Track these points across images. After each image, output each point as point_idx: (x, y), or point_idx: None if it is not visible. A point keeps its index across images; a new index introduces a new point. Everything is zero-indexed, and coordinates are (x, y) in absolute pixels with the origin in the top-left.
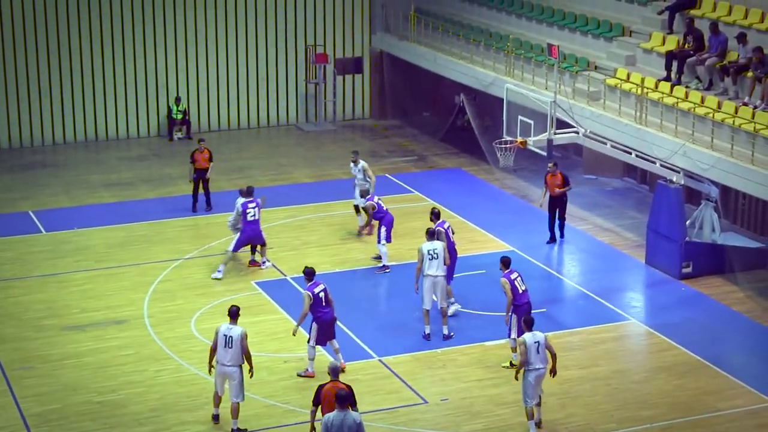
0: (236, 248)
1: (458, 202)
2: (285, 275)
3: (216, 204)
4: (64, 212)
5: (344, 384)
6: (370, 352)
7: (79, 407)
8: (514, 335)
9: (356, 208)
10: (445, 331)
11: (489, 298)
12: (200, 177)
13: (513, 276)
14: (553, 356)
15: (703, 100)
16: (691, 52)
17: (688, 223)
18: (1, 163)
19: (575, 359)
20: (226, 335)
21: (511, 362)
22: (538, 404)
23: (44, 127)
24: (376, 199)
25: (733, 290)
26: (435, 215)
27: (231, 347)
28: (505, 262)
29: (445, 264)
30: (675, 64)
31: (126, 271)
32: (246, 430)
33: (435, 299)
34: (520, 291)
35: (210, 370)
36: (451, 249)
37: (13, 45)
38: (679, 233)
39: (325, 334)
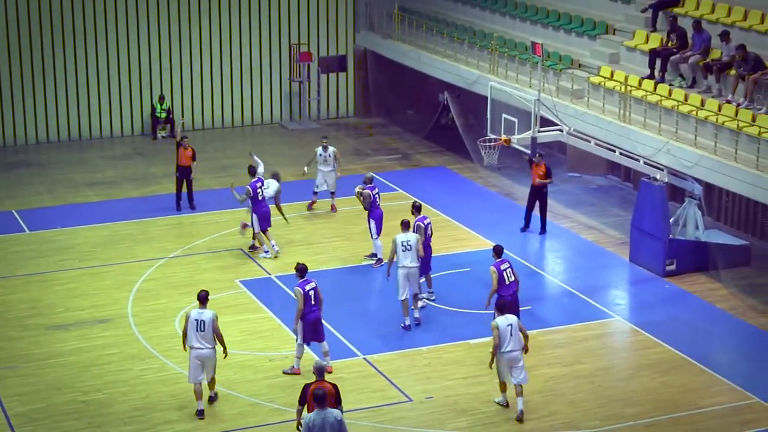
0: (262, 228)
1: (442, 201)
2: (269, 274)
3: (201, 203)
4: (48, 211)
5: (330, 383)
6: (355, 350)
7: (64, 406)
8: None
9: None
10: (417, 314)
11: (473, 295)
12: (183, 176)
13: (503, 266)
14: (526, 337)
15: (686, 98)
16: (675, 50)
17: (671, 220)
18: None
19: (559, 357)
20: (197, 320)
21: None
22: (520, 394)
23: (28, 126)
24: (375, 191)
25: (717, 287)
26: (416, 209)
27: (203, 330)
28: (498, 251)
29: (418, 255)
30: (658, 62)
31: (110, 270)
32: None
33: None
34: (507, 282)
35: (185, 349)
36: (426, 245)
37: None
38: (663, 231)
39: (309, 333)
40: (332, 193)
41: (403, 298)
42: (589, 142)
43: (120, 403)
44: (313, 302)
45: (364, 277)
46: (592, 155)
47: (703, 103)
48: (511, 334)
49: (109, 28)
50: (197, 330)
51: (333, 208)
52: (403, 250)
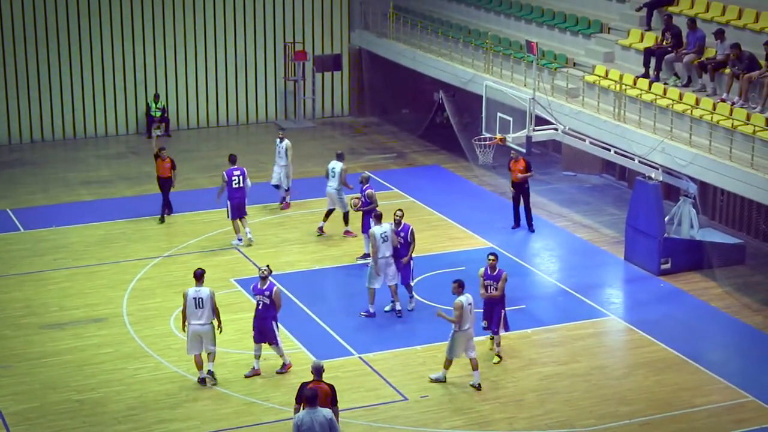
0: (233, 216)
1: (437, 199)
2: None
3: (194, 202)
4: (43, 210)
5: (327, 384)
6: (350, 349)
7: (58, 406)
8: (502, 331)
9: (277, 187)
10: (398, 307)
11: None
12: (164, 187)
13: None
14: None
15: (681, 97)
16: (669, 49)
17: (666, 219)
18: None
19: (554, 355)
20: (195, 297)
21: (498, 354)
22: (476, 367)
23: (22, 125)
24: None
25: (712, 286)
26: (399, 218)
27: (202, 307)
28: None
29: (393, 245)
30: (653, 61)
31: (104, 269)
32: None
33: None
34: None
35: (184, 328)
36: (406, 251)
37: None
38: (658, 229)
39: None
40: (286, 189)
41: (375, 287)
42: (584, 140)
43: (114, 402)
44: None
45: (359, 276)
46: (587, 154)
47: (697, 102)
48: (470, 312)
49: (103, 27)
50: (196, 307)
51: (286, 205)
52: (382, 242)
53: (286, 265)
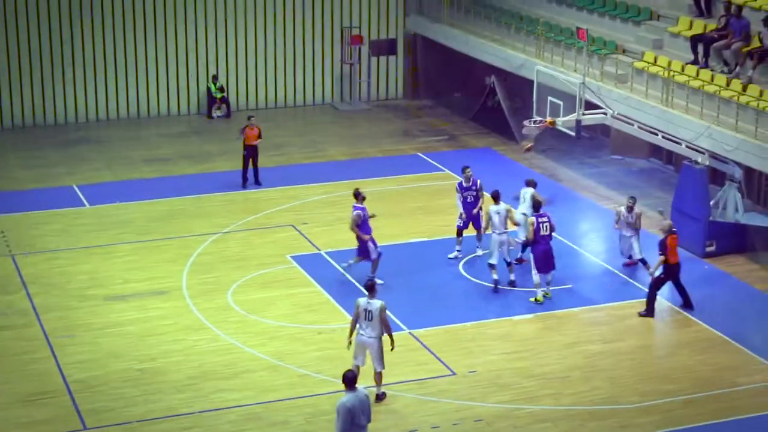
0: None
1: (488, 181)
2: (319, 249)
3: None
4: (107, 187)
5: None
6: (401, 324)
7: (120, 374)
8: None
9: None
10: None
11: (517, 276)
12: (250, 154)
13: (541, 219)
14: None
15: (728, 84)
16: (716, 36)
17: (712, 203)
18: (48, 138)
19: (600, 334)
20: (366, 309)
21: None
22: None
23: (88, 104)
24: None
25: (755, 269)
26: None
27: (371, 320)
28: (536, 205)
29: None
30: (701, 48)
31: (166, 244)
32: (384, 394)
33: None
34: (541, 234)
35: (349, 345)
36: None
37: (59, 22)
38: (703, 213)
39: None
40: None
41: (492, 262)
42: (633, 125)
43: (174, 371)
44: None
45: (412, 253)
46: (635, 138)
47: (744, 89)
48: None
49: (167, 8)
50: (365, 319)
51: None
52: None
53: (340, 242)
